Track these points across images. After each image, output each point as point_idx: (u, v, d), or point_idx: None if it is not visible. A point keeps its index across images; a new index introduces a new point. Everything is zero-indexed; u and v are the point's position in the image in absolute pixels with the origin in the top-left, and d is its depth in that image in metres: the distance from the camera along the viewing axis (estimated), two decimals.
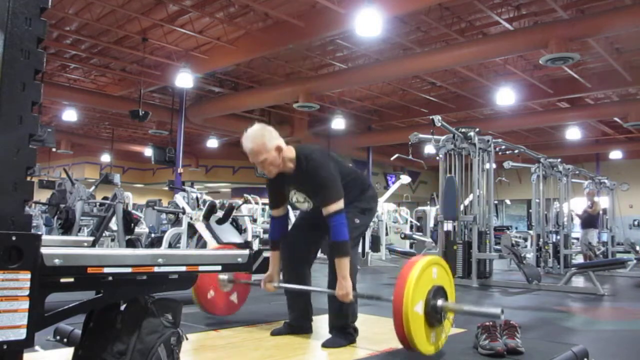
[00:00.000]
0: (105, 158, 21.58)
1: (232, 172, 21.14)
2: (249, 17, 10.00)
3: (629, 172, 19.52)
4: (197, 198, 8.39)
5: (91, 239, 2.19)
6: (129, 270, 1.44)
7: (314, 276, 2.98)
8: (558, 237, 8.66)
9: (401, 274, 2.24)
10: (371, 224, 9.52)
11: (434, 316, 2.25)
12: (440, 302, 2.27)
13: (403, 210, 14.33)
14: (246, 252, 1.79)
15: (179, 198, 7.90)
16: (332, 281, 2.56)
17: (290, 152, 2.57)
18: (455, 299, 2.44)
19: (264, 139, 2.49)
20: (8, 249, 1.18)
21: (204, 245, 7.23)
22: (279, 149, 2.51)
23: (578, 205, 10.38)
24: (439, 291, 2.30)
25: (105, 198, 7.54)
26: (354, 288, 2.58)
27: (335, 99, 14.91)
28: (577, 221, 10.22)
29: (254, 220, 9.13)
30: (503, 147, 7.71)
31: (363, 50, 11.42)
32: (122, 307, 1.57)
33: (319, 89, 12.67)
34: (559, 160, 9.04)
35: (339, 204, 2.47)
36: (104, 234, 7.84)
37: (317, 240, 2.81)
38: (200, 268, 1.64)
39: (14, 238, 1.20)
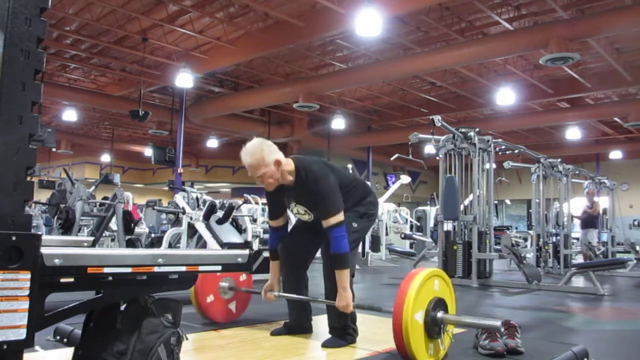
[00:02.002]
0: (105, 158, 21.58)
1: (232, 172, 21.14)
2: (249, 17, 10.00)
3: (629, 172, 19.51)
4: (197, 198, 8.39)
5: (91, 239, 2.19)
6: (129, 270, 1.44)
7: (312, 276, 2.98)
8: (558, 237, 8.65)
9: (403, 283, 2.26)
10: None
11: (433, 328, 2.26)
12: (440, 314, 2.28)
13: (403, 210, 14.35)
14: (246, 252, 1.78)
15: (179, 198, 7.90)
16: (330, 290, 2.58)
17: (289, 165, 2.56)
18: (455, 312, 2.45)
19: (262, 153, 2.48)
20: (8, 249, 1.18)
21: (204, 245, 7.23)
22: (278, 163, 2.50)
23: (577, 206, 10.36)
24: (439, 303, 2.31)
25: (105, 198, 7.54)
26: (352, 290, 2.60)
27: (335, 99, 14.90)
28: (577, 221, 10.21)
29: (254, 220, 9.13)
30: (503, 147, 7.70)
31: (363, 50, 11.41)
32: (122, 307, 1.57)
33: (318, 89, 12.66)
34: (559, 160, 9.02)
35: (339, 217, 2.47)
36: (104, 234, 7.84)
37: (316, 243, 2.77)
38: (200, 268, 1.63)
39: (14, 238, 1.19)
